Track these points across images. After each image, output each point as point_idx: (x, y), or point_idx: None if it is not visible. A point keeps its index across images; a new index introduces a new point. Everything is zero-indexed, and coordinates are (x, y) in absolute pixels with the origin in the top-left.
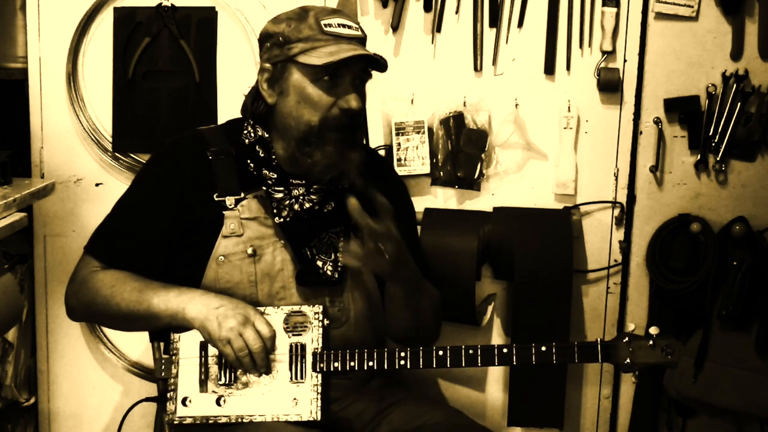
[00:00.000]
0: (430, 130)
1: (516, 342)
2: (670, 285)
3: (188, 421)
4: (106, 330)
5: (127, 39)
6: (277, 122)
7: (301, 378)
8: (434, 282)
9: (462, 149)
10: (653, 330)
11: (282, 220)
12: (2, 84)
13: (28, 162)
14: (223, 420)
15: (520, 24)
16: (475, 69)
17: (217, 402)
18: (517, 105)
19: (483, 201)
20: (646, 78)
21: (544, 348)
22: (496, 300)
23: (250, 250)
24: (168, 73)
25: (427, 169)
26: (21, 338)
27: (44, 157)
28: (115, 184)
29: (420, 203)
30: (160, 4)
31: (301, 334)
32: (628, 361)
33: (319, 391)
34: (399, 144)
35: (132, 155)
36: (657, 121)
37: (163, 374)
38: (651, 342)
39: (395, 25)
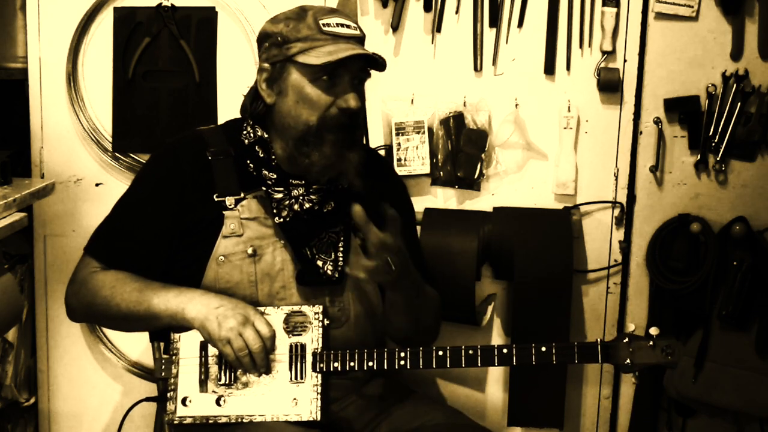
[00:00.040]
0: (430, 130)
1: (516, 342)
2: (670, 285)
3: (188, 421)
4: (106, 330)
5: (127, 39)
6: (276, 122)
7: (301, 378)
8: (433, 282)
9: (462, 149)
10: (653, 330)
11: (282, 220)
12: (2, 84)
13: (28, 162)
14: (223, 420)
15: (520, 24)
16: (475, 69)
17: (217, 402)
18: (517, 105)
19: (483, 201)
20: (646, 78)
21: (544, 348)
22: (496, 300)
23: (250, 250)
24: (168, 73)
25: (427, 169)
26: (21, 338)
27: (44, 157)
28: (115, 184)
29: (420, 203)
30: (160, 4)
31: (301, 334)
32: (628, 361)
33: (319, 391)
34: (399, 144)
35: (132, 155)
36: (657, 121)
37: (163, 374)
38: (651, 342)
39: (395, 25)
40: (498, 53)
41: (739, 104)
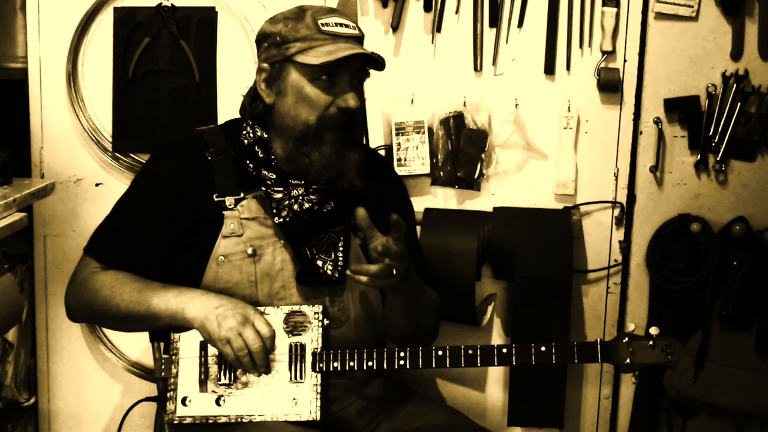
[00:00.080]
0: (430, 130)
1: (516, 342)
2: (670, 285)
3: (188, 420)
4: (106, 330)
5: (127, 39)
6: (275, 122)
7: (301, 378)
8: (433, 283)
9: (462, 149)
10: (653, 330)
11: (282, 220)
12: (2, 84)
13: (28, 162)
14: (223, 420)
15: (520, 24)
16: (475, 69)
17: (217, 402)
18: (517, 105)
19: (483, 201)
20: (646, 78)
21: (543, 348)
22: (496, 300)
23: (250, 250)
24: (168, 73)
25: (427, 169)
26: (21, 338)
27: (44, 157)
28: (115, 184)
29: (420, 203)
30: (160, 4)
31: (300, 334)
32: (628, 361)
33: (319, 391)
34: (399, 144)
35: (132, 155)
36: (657, 121)
37: (163, 374)
38: (651, 342)
39: (395, 25)
40: (498, 53)
41: (739, 104)
